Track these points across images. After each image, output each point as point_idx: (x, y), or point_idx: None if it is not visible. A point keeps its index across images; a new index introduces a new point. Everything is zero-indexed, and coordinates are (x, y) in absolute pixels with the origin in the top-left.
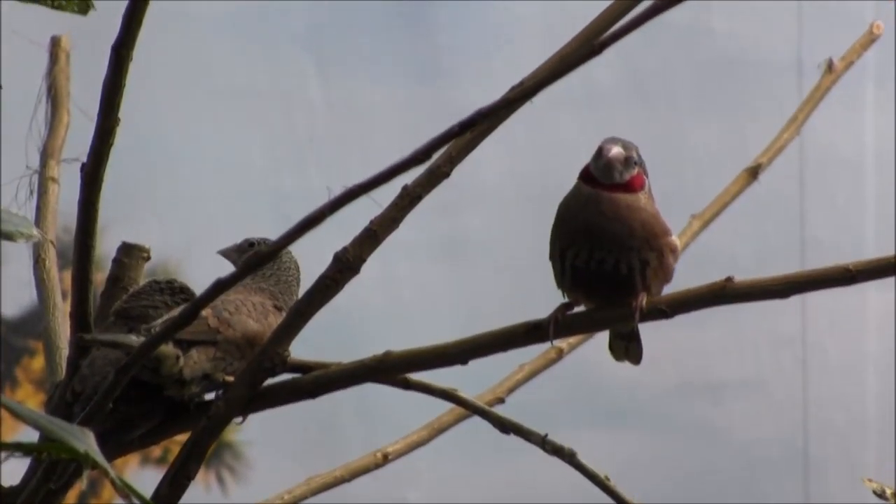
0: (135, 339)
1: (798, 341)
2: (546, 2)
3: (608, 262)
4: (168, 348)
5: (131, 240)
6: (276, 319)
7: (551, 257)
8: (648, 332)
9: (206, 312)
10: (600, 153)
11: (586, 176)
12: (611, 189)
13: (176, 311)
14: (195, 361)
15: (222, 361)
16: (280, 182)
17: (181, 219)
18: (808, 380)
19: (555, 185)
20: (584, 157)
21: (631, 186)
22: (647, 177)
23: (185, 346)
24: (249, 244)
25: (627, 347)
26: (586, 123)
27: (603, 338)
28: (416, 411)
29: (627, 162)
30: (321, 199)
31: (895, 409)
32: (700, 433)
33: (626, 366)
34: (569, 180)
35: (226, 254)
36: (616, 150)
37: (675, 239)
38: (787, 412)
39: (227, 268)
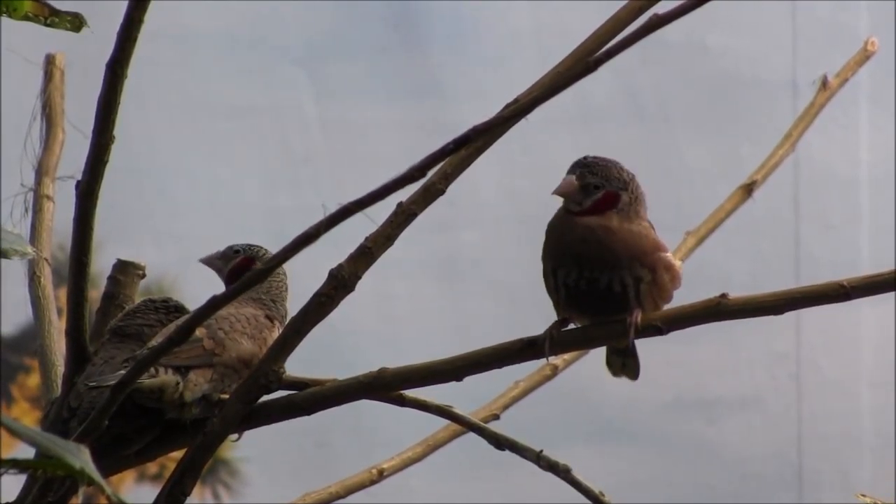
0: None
1: (792, 358)
2: (541, 22)
3: (601, 280)
4: (167, 376)
5: (127, 258)
6: (269, 333)
7: (544, 275)
8: (643, 348)
9: (200, 333)
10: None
11: None
12: (579, 214)
13: (172, 327)
14: (195, 384)
15: (220, 383)
16: (275, 200)
17: (176, 237)
18: (803, 396)
19: (549, 204)
20: None
21: (597, 209)
22: (627, 193)
23: (184, 371)
24: (234, 251)
25: (624, 363)
26: (582, 142)
27: (598, 354)
28: (411, 428)
29: (586, 189)
30: (316, 217)
31: (894, 426)
32: (695, 449)
33: (621, 382)
34: (562, 200)
35: (209, 262)
36: (565, 184)
37: (671, 257)
38: (781, 428)
39: (222, 285)
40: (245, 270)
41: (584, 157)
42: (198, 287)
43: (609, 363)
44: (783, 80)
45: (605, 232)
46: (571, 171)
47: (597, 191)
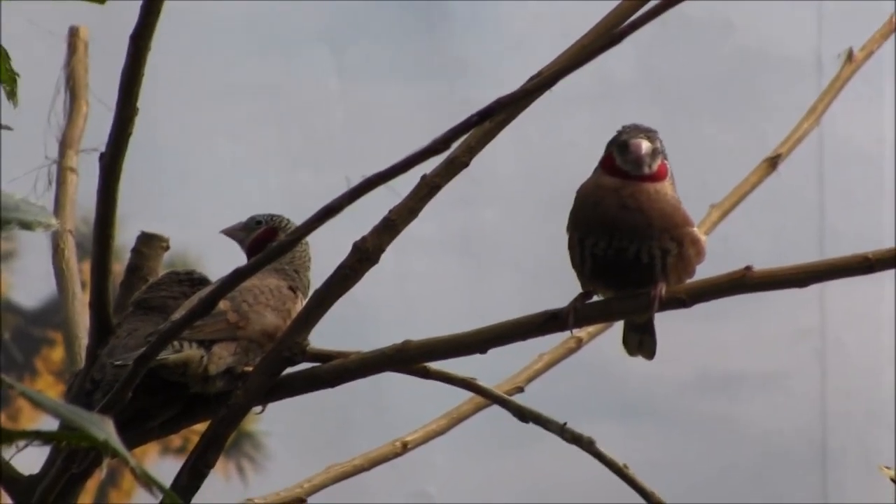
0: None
1: (817, 334)
2: (562, 1)
3: (630, 250)
4: (192, 351)
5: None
6: (293, 305)
7: (570, 246)
8: (667, 324)
9: (224, 306)
10: (627, 148)
11: (608, 165)
12: (636, 179)
13: (195, 299)
14: (219, 357)
15: (244, 356)
16: (298, 179)
17: (200, 214)
18: (827, 372)
19: (571, 181)
20: (601, 154)
21: (658, 176)
22: (668, 162)
23: (208, 344)
24: (256, 222)
25: (641, 341)
26: (603, 120)
27: (621, 329)
28: (434, 401)
29: (654, 153)
30: (338, 195)
31: None
32: (719, 426)
33: (644, 359)
34: (585, 176)
35: (231, 233)
36: (646, 146)
37: (698, 232)
38: (805, 405)
39: (245, 262)
40: (267, 241)
41: (635, 125)
42: (222, 264)
43: (625, 341)
44: (808, 56)
45: (651, 200)
46: (632, 135)
47: (659, 156)
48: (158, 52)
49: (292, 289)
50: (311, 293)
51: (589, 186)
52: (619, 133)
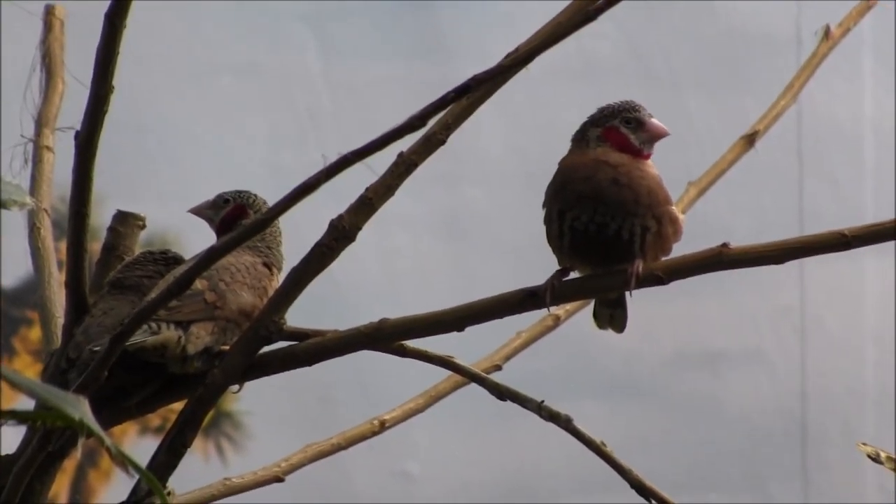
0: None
1: (796, 311)
2: None
3: (610, 226)
4: (170, 332)
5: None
6: (269, 283)
7: (548, 220)
8: (647, 302)
9: (202, 285)
10: (644, 126)
11: (617, 141)
12: (643, 157)
13: (170, 278)
14: (197, 337)
15: (222, 335)
16: (280, 158)
17: (180, 194)
18: (807, 350)
19: (554, 159)
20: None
21: (647, 154)
22: None
23: (185, 325)
24: (224, 200)
25: (612, 315)
26: (586, 98)
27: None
28: (412, 380)
29: None
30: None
31: (894, 379)
32: (698, 403)
33: (625, 336)
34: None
35: (198, 212)
36: (664, 127)
37: (676, 210)
38: (785, 382)
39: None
40: (237, 219)
41: (630, 102)
42: (201, 243)
43: (596, 315)
44: (787, 36)
45: (640, 177)
46: (645, 113)
47: None
48: (140, 31)
49: (267, 265)
50: (287, 271)
51: (572, 159)
52: (623, 107)
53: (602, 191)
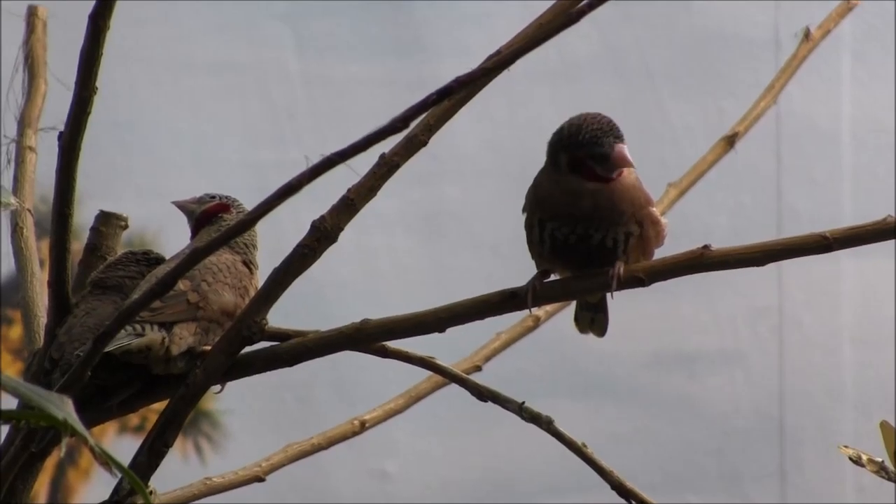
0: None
1: (774, 312)
2: None
3: (594, 237)
4: (154, 334)
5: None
6: (250, 282)
7: (528, 225)
8: (626, 303)
9: (184, 286)
10: (609, 159)
11: (584, 172)
12: (606, 181)
13: (152, 279)
14: (180, 337)
15: (204, 336)
16: (258, 156)
17: (159, 192)
18: (785, 351)
19: (533, 159)
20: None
21: (618, 175)
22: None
23: (168, 326)
24: (210, 196)
25: (593, 319)
26: (564, 98)
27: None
28: (393, 380)
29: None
30: (298, 173)
31: (875, 381)
32: (676, 404)
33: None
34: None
35: (182, 205)
36: (627, 151)
37: (657, 212)
38: (763, 383)
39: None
40: (217, 214)
41: (610, 123)
42: (180, 242)
43: (577, 319)
44: (766, 36)
45: (621, 191)
46: (607, 142)
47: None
48: (120, 28)
49: (246, 264)
50: (269, 272)
51: (550, 175)
52: (586, 138)
53: (585, 214)
